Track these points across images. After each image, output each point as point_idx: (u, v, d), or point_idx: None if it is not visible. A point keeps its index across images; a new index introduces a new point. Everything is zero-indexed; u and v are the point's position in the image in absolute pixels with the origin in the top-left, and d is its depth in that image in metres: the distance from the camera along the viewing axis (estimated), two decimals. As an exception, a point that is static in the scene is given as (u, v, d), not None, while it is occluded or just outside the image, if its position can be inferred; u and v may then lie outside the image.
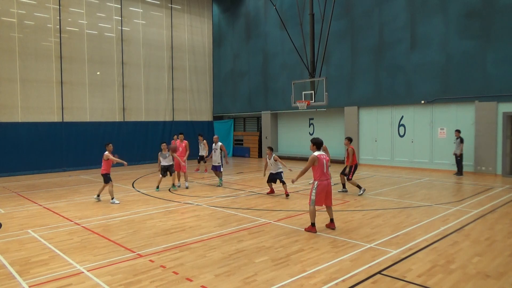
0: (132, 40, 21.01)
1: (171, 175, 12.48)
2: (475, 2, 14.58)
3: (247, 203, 10.14)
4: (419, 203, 9.74)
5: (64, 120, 18.56)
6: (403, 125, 17.18)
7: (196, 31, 24.24)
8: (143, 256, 6.07)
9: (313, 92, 16.16)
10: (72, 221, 8.44)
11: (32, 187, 13.75)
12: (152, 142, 21.65)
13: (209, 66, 25.25)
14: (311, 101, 16.01)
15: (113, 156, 10.55)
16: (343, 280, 4.99)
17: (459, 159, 14.39)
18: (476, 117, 14.73)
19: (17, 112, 17.23)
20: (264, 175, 11.31)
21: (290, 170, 11.14)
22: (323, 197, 7.20)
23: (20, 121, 17.28)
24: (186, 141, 13.78)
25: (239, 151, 24.89)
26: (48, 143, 17.92)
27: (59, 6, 18.32)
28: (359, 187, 10.92)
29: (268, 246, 6.48)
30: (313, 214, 7.23)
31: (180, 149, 13.43)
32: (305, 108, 16.44)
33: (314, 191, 7.14)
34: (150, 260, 5.86)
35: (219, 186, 13.07)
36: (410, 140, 16.86)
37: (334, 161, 16.08)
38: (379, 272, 5.24)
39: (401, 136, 17.19)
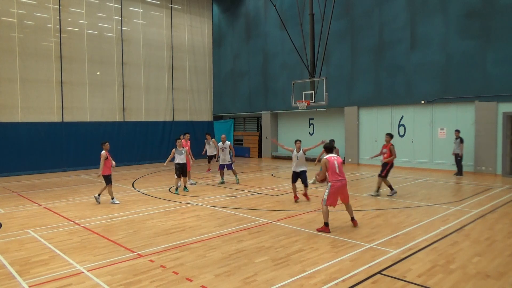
0: (132, 40, 21.02)
1: (184, 175, 11.96)
2: (475, 2, 14.58)
3: (247, 203, 10.14)
4: (419, 203, 9.74)
5: (64, 120, 18.57)
6: (403, 125, 17.18)
7: (196, 31, 24.25)
8: (143, 256, 6.07)
9: (313, 92, 16.15)
10: (72, 221, 8.44)
11: (32, 187, 13.75)
12: (152, 142, 21.70)
13: (209, 66, 25.25)
14: (311, 101, 16.00)
15: (108, 156, 10.21)
16: (343, 280, 4.99)
17: (459, 159, 14.38)
18: (476, 117, 14.73)
19: (17, 112, 17.23)
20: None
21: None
22: (336, 197, 7.36)
23: (20, 121, 17.28)
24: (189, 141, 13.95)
25: (239, 151, 24.88)
26: (48, 143, 17.92)
27: (59, 6, 18.32)
28: (391, 187, 10.57)
29: (268, 246, 6.48)
30: (325, 214, 7.28)
31: (186, 148, 13.50)
32: (305, 108, 16.43)
33: (327, 191, 7.32)
34: (150, 260, 5.86)
35: (237, 183, 13.35)
36: (410, 140, 16.86)
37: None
38: (379, 272, 5.24)
39: (401, 136, 17.19)
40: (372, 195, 10.70)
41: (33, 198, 11.45)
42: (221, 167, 13.55)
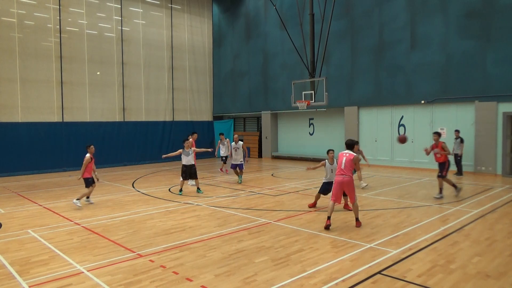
0: (132, 40, 21.02)
1: (192, 178, 11.67)
2: (475, 2, 14.58)
3: (247, 203, 10.14)
4: (419, 203, 9.73)
5: (64, 120, 18.56)
6: (403, 125, 17.18)
7: (196, 31, 24.25)
8: (143, 256, 6.07)
9: (313, 92, 16.16)
10: (72, 221, 8.44)
11: (32, 187, 13.75)
12: (152, 142, 21.69)
13: (209, 66, 25.25)
14: (311, 101, 16.01)
15: (91, 161, 9.87)
16: (343, 280, 4.99)
17: (459, 159, 14.38)
18: (476, 117, 14.73)
19: (17, 112, 17.23)
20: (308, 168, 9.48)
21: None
22: (340, 193, 7.59)
23: (20, 121, 17.28)
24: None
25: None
26: (48, 143, 17.92)
27: (59, 6, 18.32)
28: (455, 186, 10.22)
29: (268, 246, 6.48)
30: (329, 208, 7.54)
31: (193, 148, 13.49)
32: (305, 108, 16.44)
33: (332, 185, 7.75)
34: (150, 260, 5.86)
35: (239, 183, 13.41)
36: (410, 140, 16.85)
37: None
38: (379, 272, 5.24)
39: (401, 136, 17.17)
40: (437, 198, 10.20)
41: (33, 198, 11.45)
42: (233, 167, 13.67)
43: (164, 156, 12.01)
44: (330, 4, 16.26)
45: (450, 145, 15.20)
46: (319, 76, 16.90)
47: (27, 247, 6.64)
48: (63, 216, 8.93)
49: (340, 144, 18.83)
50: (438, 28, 15.54)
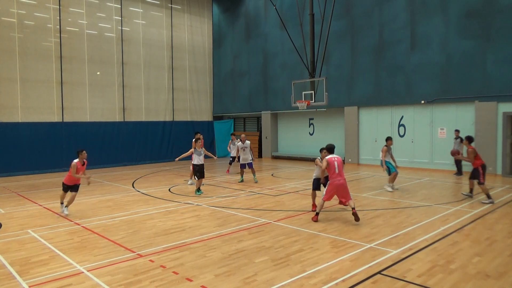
0: (132, 40, 21.02)
1: (201, 177, 11.63)
2: (475, 2, 14.58)
3: (247, 203, 10.14)
4: (419, 203, 9.73)
5: (64, 120, 18.56)
6: (403, 125, 17.18)
7: (196, 31, 24.25)
8: (143, 256, 6.07)
9: (313, 92, 16.15)
10: (72, 221, 8.44)
11: (32, 187, 13.75)
12: (152, 142, 21.70)
13: (209, 66, 25.25)
14: (311, 101, 16.00)
15: (82, 166, 9.13)
16: (343, 280, 4.99)
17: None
18: (476, 117, 14.73)
19: (17, 112, 17.23)
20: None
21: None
22: (333, 194, 7.98)
23: (20, 121, 17.28)
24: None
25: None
26: (48, 143, 17.91)
27: (59, 6, 18.32)
28: (488, 196, 9.59)
29: (268, 246, 6.48)
30: (319, 205, 8.09)
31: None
32: (305, 108, 16.43)
33: (326, 188, 8.13)
34: (150, 260, 5.86)
35: (256, 182, 13.49)
36: (410, 140, 16.86)
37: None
38: (379, 272, 5.24)
39: (401, 136, 17.19)
40: (464, 194, 10.26)
41: (33, 198, 11.45)
42: (243, 166, 13.80)
43: (177, 159, 12.16)
44: (330, 4, 16.26)
45: (451, 145, 15.25)
46: (319, 76, 16.90)
47: (27, 247, 6.64)
48: (63, 216, 8.93)
49: (340, 144, 18.84)
50: (438, 28, 15.54)
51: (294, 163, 20.27)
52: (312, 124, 21.43)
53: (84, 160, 9.38)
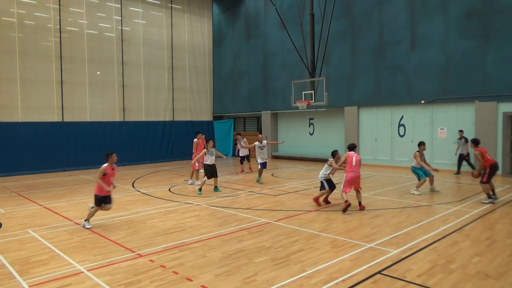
0: (132, 40, 21.01)
1: (214, 176, 11.74)
2: (475, 2, 14.57)
3: (247, 203, 10.14)
4: (419, 203, 9.73)
5: (64, 120, 18.55)
6: (403, 125, 17.18)
7: (196, 31, 24.24)
8: (143, 256, 6.07)
9: (313, 92, 16.16)
10: (72, 221, 8.44)
11: (32, 187, 13.75)
12: (152, 142, 21.70)
13: (209, 66, 25.24)
14: (311, 101, 16.00)
15: (112, 171, 7.97)
16: (343, 280, 4.99)
17: (467, 158, 14.40)
18: (476, 117, 14.73)
19: (17, 112, 17.22)
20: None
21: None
22: (350, 186, 9.03)
23: (20, 121, 17.27)
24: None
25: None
26: (48, 143, 17.91)
27: (59, 6, 18.32)
28: (489, 196, 9.55)
29: (268, 246, 6.48)
30: (344, 196, 8.90)
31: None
32: (305, 108, 16.43)
33: (344, 180, 9.12)
34: (150, 260, 5.86)
35: (261, 183, 13.41)
36: (410, 140, 16.84)
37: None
38: (379, 272, 5.24)
39: (401, 136, 17.19)
40: (485, 202, 9.67)
41: (33, 198, 11.45)
42: (263, 166, 13.72)
43: (193, 161, 12.71)
44: (330, 4, 16.25)
45: (451, 145, 15.26)
46: (319, 76, 16.90)
47: (27, 247, 6.64)
48: (63, 216, 8.93)
49: (340, 144, 18.83)
50: (438, 28, 15.53)
51: (294, 163, 20.27)
52: (312, 124, 21.43)
53: (114, 165, 8.03)
